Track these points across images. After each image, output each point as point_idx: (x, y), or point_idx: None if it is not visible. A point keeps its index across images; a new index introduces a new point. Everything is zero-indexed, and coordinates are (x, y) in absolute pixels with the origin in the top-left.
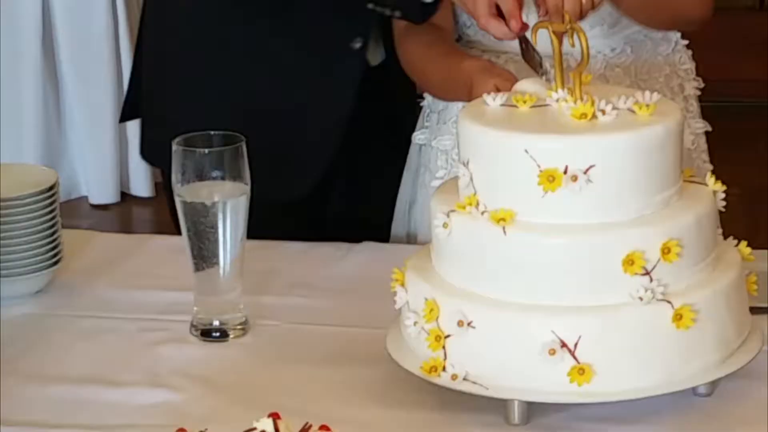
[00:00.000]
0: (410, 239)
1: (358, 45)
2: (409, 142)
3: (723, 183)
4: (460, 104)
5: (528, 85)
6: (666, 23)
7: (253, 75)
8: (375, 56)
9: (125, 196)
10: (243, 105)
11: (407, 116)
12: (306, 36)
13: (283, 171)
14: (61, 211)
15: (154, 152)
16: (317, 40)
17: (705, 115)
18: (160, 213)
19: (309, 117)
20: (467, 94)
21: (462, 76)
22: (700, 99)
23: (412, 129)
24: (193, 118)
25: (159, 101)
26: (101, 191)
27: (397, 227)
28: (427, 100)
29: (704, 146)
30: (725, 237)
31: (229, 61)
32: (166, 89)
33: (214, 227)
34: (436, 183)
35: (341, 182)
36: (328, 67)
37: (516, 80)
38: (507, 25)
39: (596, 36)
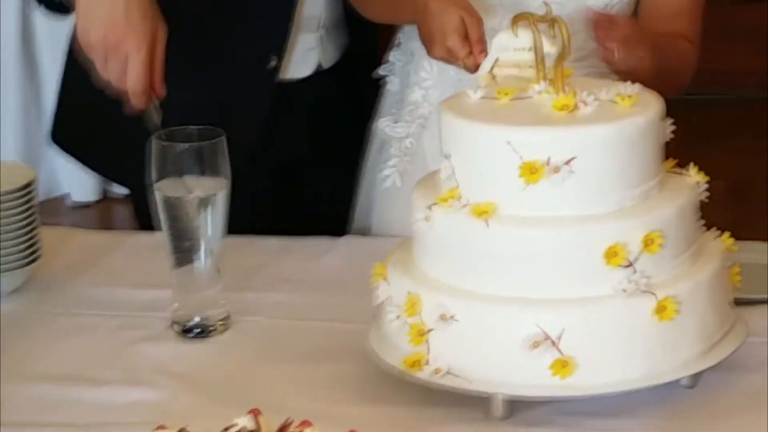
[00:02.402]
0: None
1: (272, 64)
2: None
3: (706, 174)
4: (417, 92)
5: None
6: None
7: (170, 93)
8: (327, 58)
9: (106, 193)
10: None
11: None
12: (219, 56)
13: None
14: (42, 210)
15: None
16: (230, 61)
17: (690, 107)
18: None
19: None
20: (411, 15)
21: None
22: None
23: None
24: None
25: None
26: (82, 189)
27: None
28: (391, 86)
29: None
30: (710, 229)
31: None
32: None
33: (194, 223)
34: (387, 171)
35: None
36: (241, 88)
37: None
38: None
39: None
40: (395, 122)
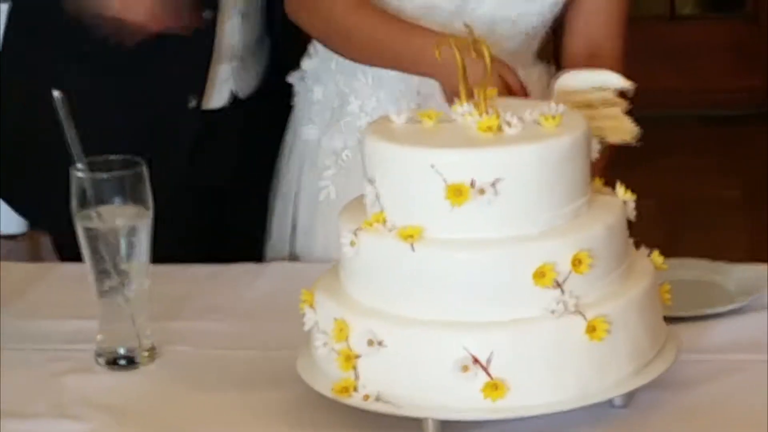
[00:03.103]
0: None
1: (193, 104)
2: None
3: (635, 193)
4: (355, 104)
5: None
6: None
7: (95, 123)
8: (242, 87)
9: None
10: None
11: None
12: (142, 93)
13: None
14: None
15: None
16: (153, 98)
17: None
18: None
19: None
20: (427, 68)
21: (426, 50)
22: None
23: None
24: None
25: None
26: (9, 221)
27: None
28: (319, 94)
29: None
30: (640, 247)
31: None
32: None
33: (117, 253)
34: (323, 183)
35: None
36: (165, 122)
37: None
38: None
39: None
40: (321, 131)
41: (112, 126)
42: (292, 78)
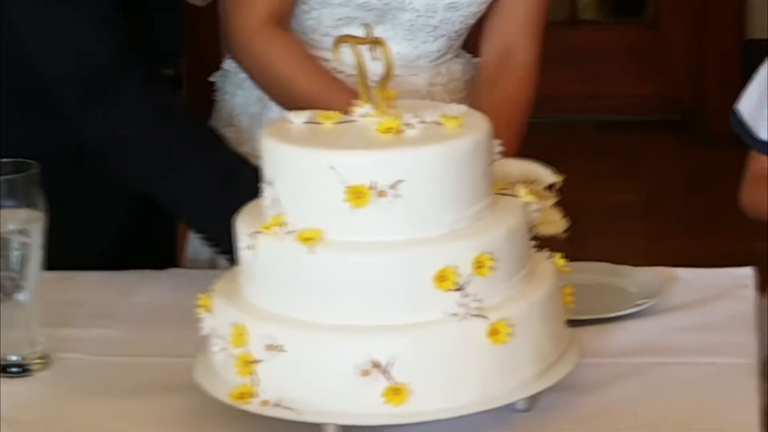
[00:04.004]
0: None
1: None
2: None
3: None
4: (276, 111)
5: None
6: None
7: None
8: None
9: None
10: None
11: None
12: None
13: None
14: None
15: None
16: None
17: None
18: None
19: None
20: None
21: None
22: None
23: None
24: None
25: None
26: None
27: None
28: (241, 98)
29: None
30: (542, 250)
31: None
32: None
33: (7, 257)
34: None
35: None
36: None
37: None
38: None
39: (418, 45)
40: (239, 138)
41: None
42: (215, 77)
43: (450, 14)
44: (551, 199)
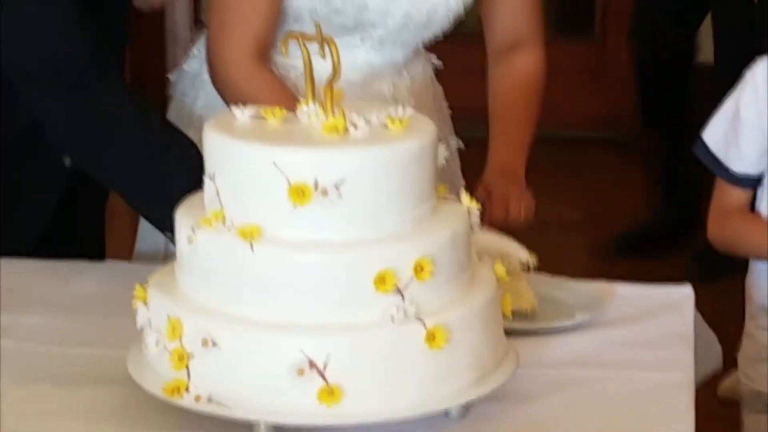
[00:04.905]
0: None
1: (67, 162)
2: None
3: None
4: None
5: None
6: None
7: None
8: None
9: None
10: None
11: None
12: (15, 149)
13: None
14: None
15: None
16: (26, 155)
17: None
18: None
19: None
20: None
21: None
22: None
23: None
24: None
25: None
26: None
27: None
28: (202, 101)
29: (458, 163)
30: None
31: None
32: None
33: None
34: None
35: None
36: (36, 178)
37: None
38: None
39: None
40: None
41: None
42: (173, 75)
43: (422, 31)
44: (525, 278)
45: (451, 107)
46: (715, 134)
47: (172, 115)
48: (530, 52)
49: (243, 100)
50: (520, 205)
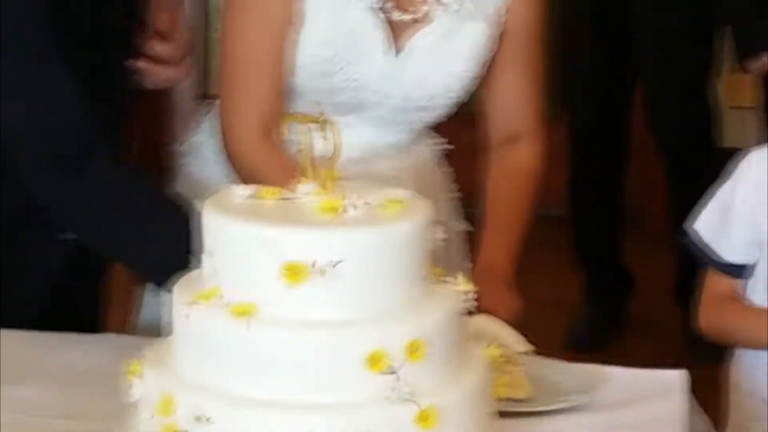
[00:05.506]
0: None
1: (69, 236)
2: None
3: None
4: None
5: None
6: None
7: None
8: None
9: None
10: None
11: None
12: (15, 223)
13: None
14: None
15: None
16: (25, 230)
17: None
18: None
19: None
20: None
21: None
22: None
23: None
24: None
25: None
26: None
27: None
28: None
29: (463, 245)
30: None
31: None
32: None
33: None
34: None
35: None
36: (34, 252)
37: None
38: None
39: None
40: None
41: None
42: (182, 147)
43: (422, 114)
44: (521, 367)
45: (460, 188)
46: (705, 224)
47: (181, 186)
48: (529, 144)
49: (250, 175)
50: (507, 311)
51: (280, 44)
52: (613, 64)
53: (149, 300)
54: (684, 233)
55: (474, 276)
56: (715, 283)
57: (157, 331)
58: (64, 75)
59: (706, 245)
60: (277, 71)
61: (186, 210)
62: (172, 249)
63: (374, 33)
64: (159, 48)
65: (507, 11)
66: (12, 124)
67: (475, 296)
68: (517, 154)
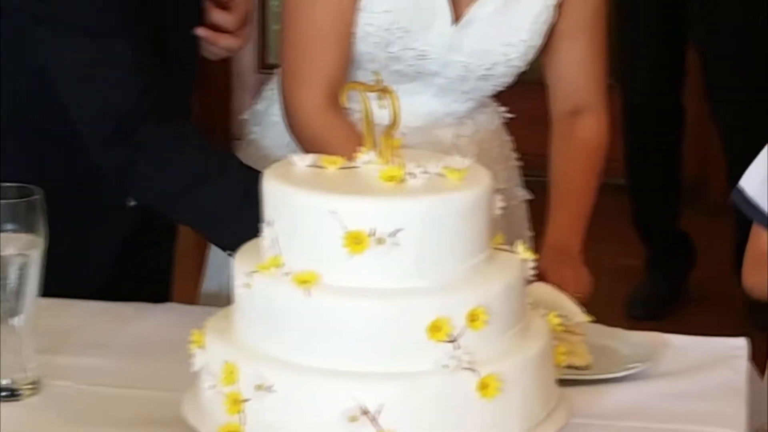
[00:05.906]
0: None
1: (131, 203)
2: None
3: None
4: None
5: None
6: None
7: None
8: None
9: None
10: None
11: None
12: (82, 192)
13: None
14: None
15: None
16: (91, 197)
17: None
18: None
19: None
20: None
21: None
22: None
23: None
24: None
25: None
26: None
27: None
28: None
29: (525, 214)
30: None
31: None
32: None
33: (5, 281)
34: None
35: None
36: (101, 219)
37: None
38: None
39: (448, 104)
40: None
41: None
42: (246, 115)
43: (482, 83)
44: (581, 336)
45: (521, 156)
46: (752, 181)
47: (244, 155)
48: (592, 117)
49: (317, 145)
50: (576, 288)
51: (346, 11)
52: (665, 33)
53: (213, 267)
54: (737, 193)
55: (543, 255)
56: (760, 241)
57: (221, 298)
58: (125, 50)
59: (752, 201)
60: (341, 39)
61: (254, 173)
62: (234, 213)
63: (436, 1)
64: (219, 17)
65: None
66: (73, 99)
67: (543, 274)
68: (582, 128)
